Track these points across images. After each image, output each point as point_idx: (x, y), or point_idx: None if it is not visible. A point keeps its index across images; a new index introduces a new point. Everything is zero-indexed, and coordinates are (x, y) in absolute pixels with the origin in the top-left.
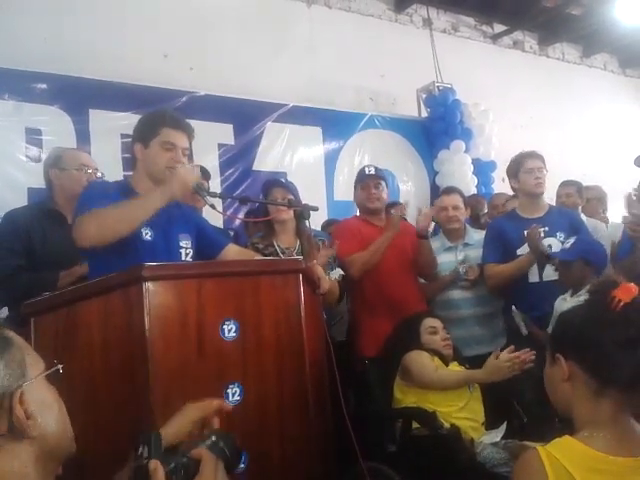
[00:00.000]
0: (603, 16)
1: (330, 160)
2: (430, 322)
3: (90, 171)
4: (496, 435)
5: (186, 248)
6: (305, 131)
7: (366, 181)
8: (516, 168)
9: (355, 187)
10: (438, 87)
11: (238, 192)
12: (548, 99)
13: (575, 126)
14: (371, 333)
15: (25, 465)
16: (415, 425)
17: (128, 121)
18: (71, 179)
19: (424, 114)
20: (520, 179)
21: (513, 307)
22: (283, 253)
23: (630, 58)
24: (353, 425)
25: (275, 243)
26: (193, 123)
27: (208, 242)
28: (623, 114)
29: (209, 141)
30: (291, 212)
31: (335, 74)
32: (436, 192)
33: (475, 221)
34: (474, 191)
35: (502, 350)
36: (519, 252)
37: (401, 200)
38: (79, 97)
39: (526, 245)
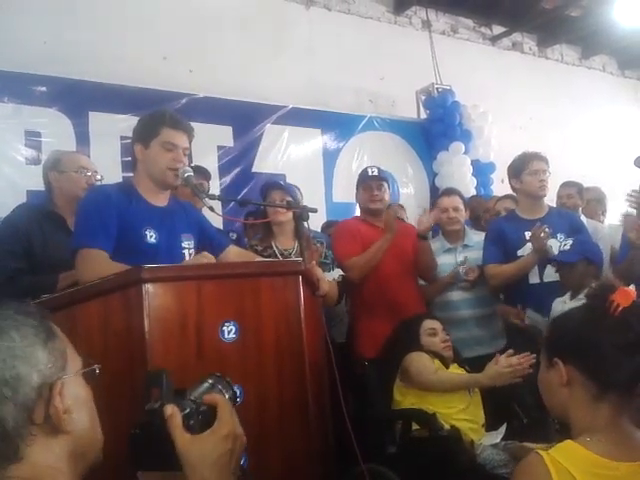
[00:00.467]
0: (602, 18)
1: (329, 162)
2: (429, 324)
3: (89, 174)
4: (496, 437)
5: (189, 249)
6: (304, 133)
7: (368, 182)
8: (519, 168)
9: (357, 188)
10: (437, 89)
11: (237, 194)
12: (547, 100)
13: (574, 127)
14: (370, 335)
15: (59, 460)
16: (415, 426)
17: (128, 123)
18: (70, 181)
19: (423, 116)
20: (523, 180)
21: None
22: (282, 255)
23: (629, 59)
24: (353, 426)
25: (274, 245)
26: (192, 125)
27: (209, 242)
28: (622, 115)
29: (208, 143)
30: (289, 214)
31: (334, 76)
32: (435, 193)
33: (475, 223)
34: (473, 192)
35: (502, 352)
36: (519, 253)
37: (400, 201)
38: (78, 99)
39: (526, 246)
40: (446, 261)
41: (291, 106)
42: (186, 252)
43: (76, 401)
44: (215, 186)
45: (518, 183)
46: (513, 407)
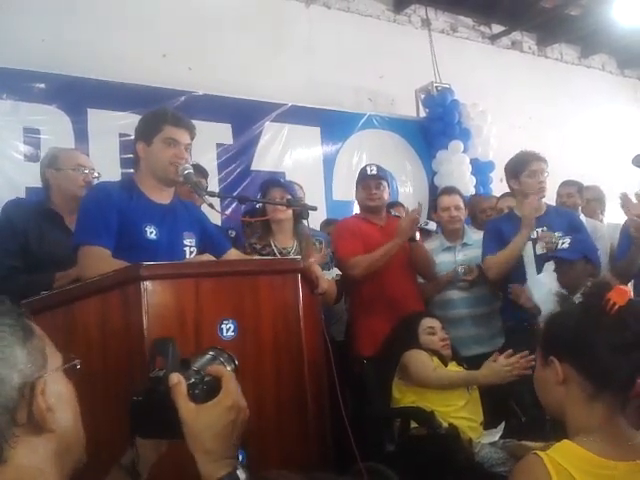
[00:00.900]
0: (601, 17)
1: (329, 160)
2: (428, 322)
3: (86, 171)
4: (494, 435)
5: (190, 246)
6: (304, 131)
7: (367, 181)
8: (518, 169)
9: (356, 186)
10: (436, 87)
11: (236, 192)
12: (546, 99)
13: (573, 126)
14: (369, 333)
15: (44, 460)
16: (413, 425)
17: (126, 121)
18: (67, 179)
19: (422, 114)
20: (522, 181)
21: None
22: (280, 253)
23: (628, 59)
24: (351, 424)
25: (272, 243)
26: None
27: (210, 243)
28: (621, 114)
29: (207, 141)
30: (288, 212)
31: (334, 74)
32: (434, 192)
33: (475, 221)
34: (472, 191)
35: (501, 351)
36: None
37: (399, 200)
38: (77, 97)
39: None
40: (445, 259)
41: (290, 104)
42: (187, 250)
43: (59, 399)
44: (214, 184)
45: (517, 184)
46: (511, 405)
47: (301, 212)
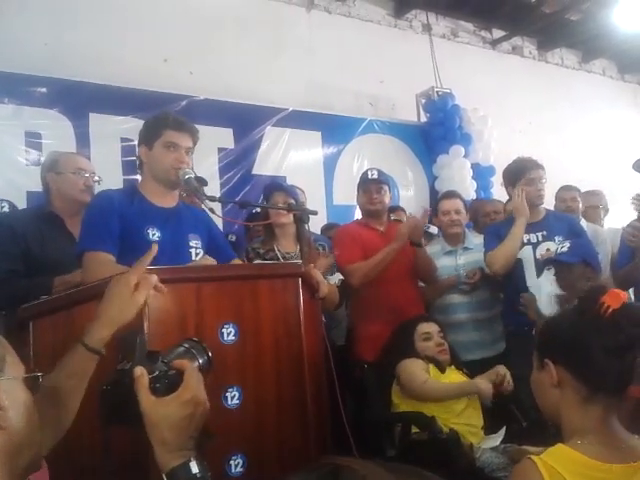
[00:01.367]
0: (602, 22)
1: (329, 164)
2: (424, 328)
3: (87, 175)
4: (495, 440)
5: (196, 248)
6: (304, 135)
7: (368, 185)
8: (516, 177)
9: (358, 190)
10: (437, 92)
11: (238, 196)
12: (547, 104)
13: (574, 131)
14: (370, 338)
15: None
16: (414, 429)
17: (128, 125)
18: (68, 183)
19: (423, 119)
20: (520, 189)
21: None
22: (284, 258)
23: (629, 64)
24: (352, 429)
25: (276, 248)
26: None
27: (216, 251)
28: (622, 119)
29: (209, 145)
30: (291, 216)
31: (334, 79)
32: (435, 197)
33: (478, 225)
34: (473, 196)
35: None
36: (518, 256)
37: (400, 204)
38: (79, 101)
39: (524, 249)
40: (446, 263)
41: (291, 109)
42: (193, 251)
43: (13, 402)
44: (215, 188)
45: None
46: (512, 410)
47: (301, 216)
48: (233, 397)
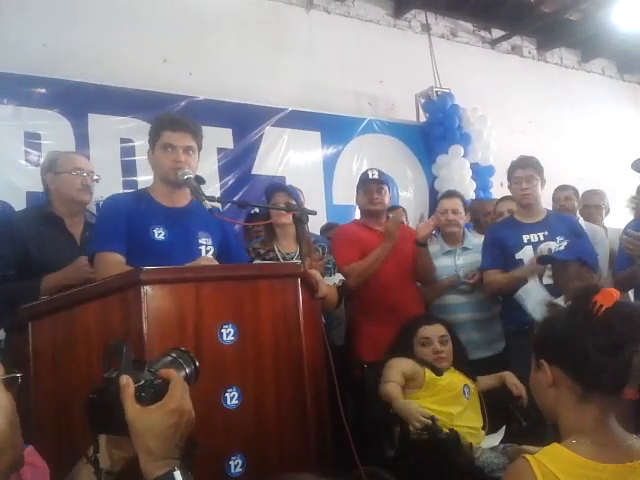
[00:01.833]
0: (601, 21)
1: (329, 164)
2: (425, 332)
3: (84, 174)
4: (495, 439)
5: (206, 245)
6: (304, 135)
7: (369, 185)
8: (508, 176)
9: (357, 190)
10: (436, 92)
11: (237, 196)
12: (546, 104)
13: (573, 131)
14: (369, 338)
15: None
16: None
17: (127, 125)
18: (66, 183)
19: (422, 119)
20: (511, 188)
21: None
22: (284, 259)
23: (628, 63)
24: (351, 429)
25: (276, 248)
26: None
27: (227, 252)
28: (621, 119)
29: (208, 145)
30: (290, 216)
31: (334, 79)
32: (435, 197)
33: (477, 225)
34: (473, 196)
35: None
36: (517, 256)
37: (400, 204)
38: (78, 101)
39: (524, 250)
40: (445, 264)
41: (291, 109)
42: (203, 249)
43: None
44: (215, 188)
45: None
46: (512, 410)
47: (301, 216)
48: (232, 397)
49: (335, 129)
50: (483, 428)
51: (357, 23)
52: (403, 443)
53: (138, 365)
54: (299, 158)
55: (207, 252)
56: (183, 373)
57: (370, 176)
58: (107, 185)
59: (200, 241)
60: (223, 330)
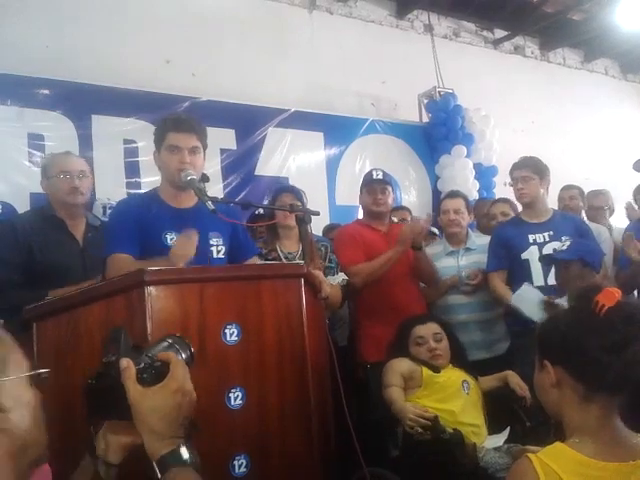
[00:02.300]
0: (604, 21)
1: (332, 165)
2: (419, 331)
3: (70, 176)
4: (499, 440)
5: (217, 246)
6: (307, 136)
7: (373, 185)
8: (510, 176)
9: (361, 190)
10: (439, 92)
11: (240, 196)
12: (549, 104)
13: (576, 131)
14: (372, 338)
15: None
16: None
17: (130, 126)
18: (55, 187)
19: (425, 119)
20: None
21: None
22: (286, 258)
23: (631, 63)
24: (355, 429)
25: (278, 248)
26: None
27: (238, 246)
28: (624, 119)
29: (211, 146)
30: (293, 217)
31: (336, 79)
32: (438, 197)
33: (479, 226)
34: (476, 196)
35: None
36: (523, 256)
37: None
38: (81, 102)
39: (530, 249)
40: (448, 264)
41: (293, 109)
42: (214, 249)
43: (17, 401)
44: (218, 189)
45: None
46: (516, 410)
47: (303, 217)
48: (236, 398)
49: (338, 130)
50: (486, 422)
51: (360, 24)
52: (407, 443)
53: (136, 350)
54: (302, 159)
55: (218, 252)
56: (180, 357)
57: (374, 176)
58: (110, 186)
59: (211, 242)
60: (227, 330)
